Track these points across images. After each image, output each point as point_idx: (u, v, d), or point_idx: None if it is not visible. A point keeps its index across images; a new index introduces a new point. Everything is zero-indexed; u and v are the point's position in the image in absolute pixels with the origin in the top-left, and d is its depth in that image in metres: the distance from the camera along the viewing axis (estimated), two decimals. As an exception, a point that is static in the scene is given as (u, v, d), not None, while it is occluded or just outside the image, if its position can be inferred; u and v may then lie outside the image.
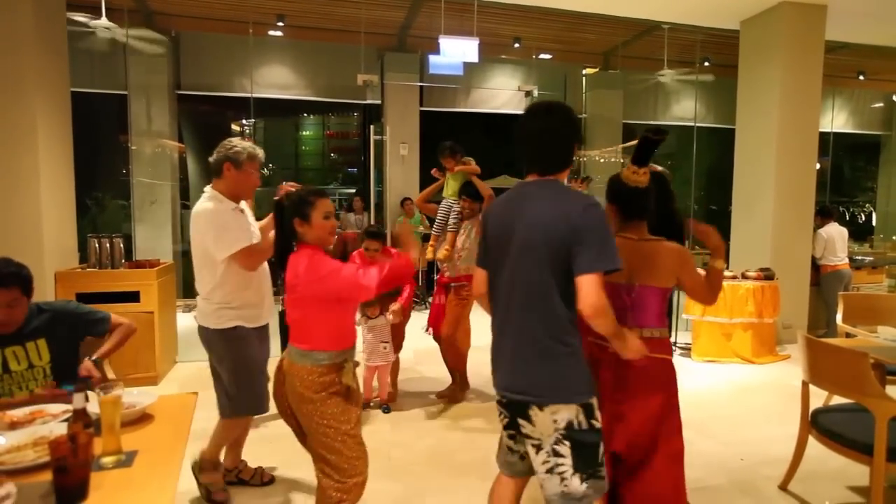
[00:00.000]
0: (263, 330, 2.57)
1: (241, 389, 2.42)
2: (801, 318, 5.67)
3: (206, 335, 2.42)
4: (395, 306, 3.69)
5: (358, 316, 3.37)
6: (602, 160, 9.48)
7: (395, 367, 4.01)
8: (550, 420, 1.55)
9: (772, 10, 5.53)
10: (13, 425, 1.70)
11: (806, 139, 5.61)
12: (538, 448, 1.59)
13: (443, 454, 3.14)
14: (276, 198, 2.05)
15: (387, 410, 3.76)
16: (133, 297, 4.23)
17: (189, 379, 4.52)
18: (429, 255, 4.03)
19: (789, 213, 5.60)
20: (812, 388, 2.56)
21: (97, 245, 4.31)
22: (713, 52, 8.04)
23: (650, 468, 1.91)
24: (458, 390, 4.00)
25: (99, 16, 5.84)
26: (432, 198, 4.18)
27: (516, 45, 7.94)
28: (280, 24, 7.22)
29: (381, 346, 3.71)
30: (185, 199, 8.88)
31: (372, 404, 3.80)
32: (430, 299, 4.37)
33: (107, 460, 1.49)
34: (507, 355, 1.64)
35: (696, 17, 6.10)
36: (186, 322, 6.45)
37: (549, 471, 1.58)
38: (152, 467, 1.49)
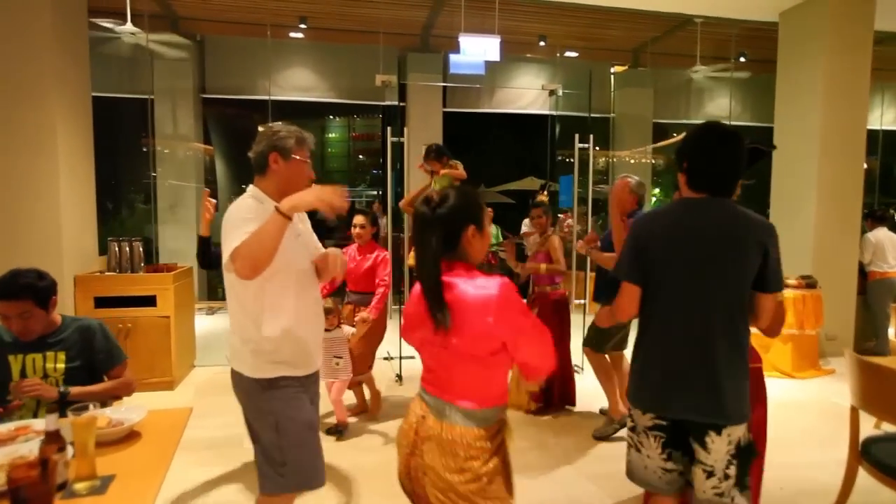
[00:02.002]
0: (312, 380, 1.93)
1: (290, 456, 1.78)
2: (847, 329, 5.30)
3: (242, 383, 1.82)
4: (363, 314, 3.43)
5: None
6: (632, 161, 9.17)
7: (371, 385, 3.72)
8: (726, 442, 1.57)
9: (814, 0, 5.19)
10: (-5, 442, 1.63)
11: (852, 137, 5.25)
12: (710, 474, 1.59)
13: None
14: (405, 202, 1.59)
15: (340, 432, 3.38)
16: (150, 301, 4.22)
17: (206, 384, 4.49)
18: (409, 261, 3.90)
19: (834, 216, 5.24)
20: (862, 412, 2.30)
21: (117, 249, 4.32)
22: (749, 46, 7.66)
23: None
24: None
25: (124, 21, 5.92)
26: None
27: (542, 44, 7.73)
28: (302, 26, 7.21)
29: (332, 362, 3.29)
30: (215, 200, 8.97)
31: (337, 428, 3.43)
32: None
33: (80, 486, 1.39)
34: (693, 376, 1.59)
35: (731, 9, 5.80)
36: (205, 325, 6.50)
37: (719, 494, 1.60)
38: (127, 496, 1.39)
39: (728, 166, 1.63)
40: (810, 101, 5.26)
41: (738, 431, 1.59)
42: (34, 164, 3.88)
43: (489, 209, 3.76)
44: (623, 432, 3.49)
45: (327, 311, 3.05)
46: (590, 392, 3.98)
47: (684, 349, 1.60)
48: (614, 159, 9.25)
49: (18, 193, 3.86)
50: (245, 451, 3.00)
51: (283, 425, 1.77)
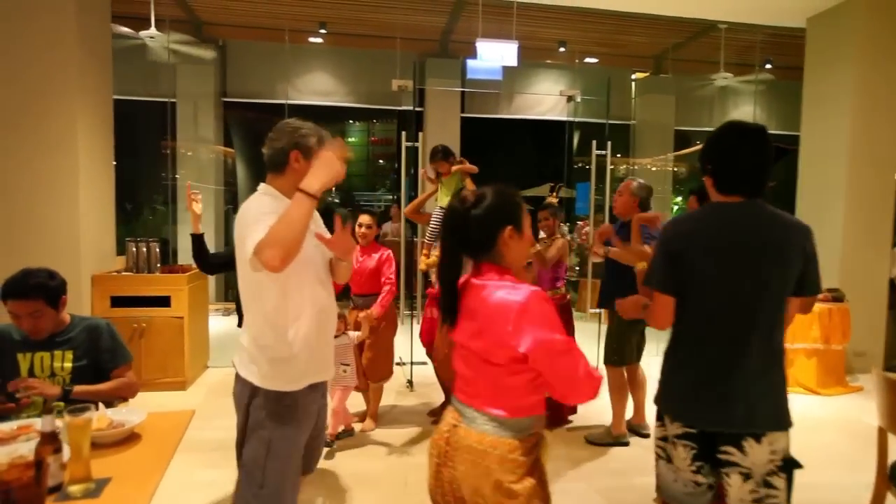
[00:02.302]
0: (322, 390, 1.81)
1: (270, 480, 1.63)
2: (877, 344, 5.09)
3: (248, 392, 1.66)
4: (367, 312, 3.31)
5: None
6: (653, 169, 9.02)
7: (377, 394, 3.65)
8: (767, 451, 1.51)
9: (843, 5, 5.04)
10: (-3, 440, 1.63)
11: (883, 146, 5.07)
12: (746, 477, 1.52)
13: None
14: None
15: (329, 445, 3.24)
16: (164, 301, 4.26)
17: (219, 385, 4.51)
18: (421, 266, 3.84)
19: (863, 227, 5.06)
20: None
21: (135, 249, 4.38)
22: (773, 52, 7.49)
23: None
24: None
25: (149, 26, 6.04)
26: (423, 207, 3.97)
27: (561, 50, 7.66)
28: (322, 31, 7.27)
29: (340, 369, 3.18)
30: (234, 203, 9.09)
31: (332, 442, 3.30)
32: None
33: (74, 489, 1.37)
34: (727, 384, 1.54)
35: (756, 14, 5.66)
36: (220, 326, 6.53)
37: (758, 500, 1.52)
38: (121, 499, 1.37)
39: (755, 163, 1.56)
40: (839, 109, 5.09)
41: (783, 440, 1.52)
42: (54, 164, 3.95)
43: None
44: (633, 445, 3.41)
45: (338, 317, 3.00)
46: (601, 405, 3.89)
47: (718, 358, 1.55)
48: (635, 167, 9.10)
49: (38, 193, 3.93)
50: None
51: (275, 445, 1.62)
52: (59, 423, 1.47)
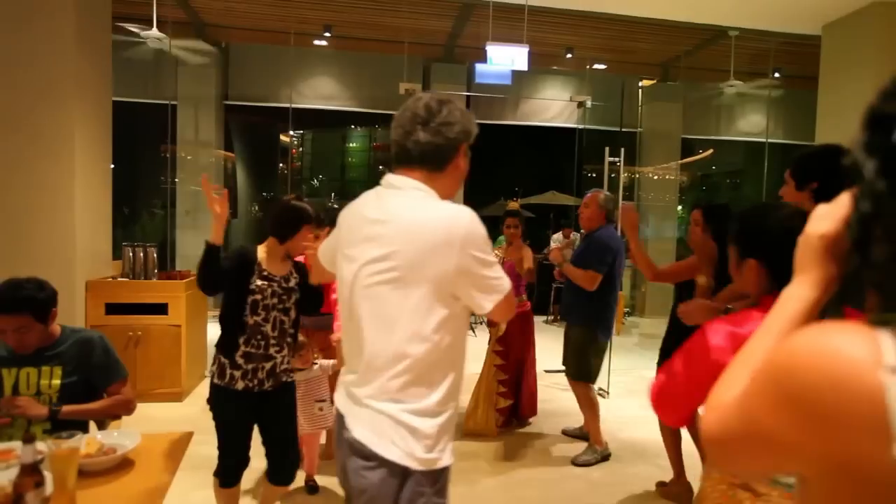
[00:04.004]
0: None
1: None
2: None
3: (398, 479, 1.19)
4: (334, 336, 2.88)
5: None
6: (657, 178, 8.92)
7: None
8: None
9: (861, 12, 4.94)
10: (-25, 467, 1.48)
11: (901, 157, 4.96)
12: None
13: (474, 504, 2.77)
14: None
15: (313, 490, 2.88)
16: (161, 308, 4.11)
17: (215, 396, 4.35)
18: None
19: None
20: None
21: (131, 254, 4.24)
22: (786, 61, 7.40)
23: None
24: None
25: (150, 27, 5.92)
26: None
27: (569, 56, 7.57)
28: (327, 34, 7.17)
29: (315, 408, 2.73)
30: (234, 208, 8.97)
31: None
32: None
33: (56, 527, 1.23)
34: None
35: (771, 21, 5.56)
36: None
37: None
38: (109, 540, 1.22)
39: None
40: (855, 118, 4.96)
41: None
42: (50, 167, 3.80)
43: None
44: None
45: (300, 346, 2.48)
46: (559, 408, 3.73)
47: None
48: (637, 175, 9.00)
49: (34, 197, 3.78)
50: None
51: None
52: (42, 446, 1.33)
